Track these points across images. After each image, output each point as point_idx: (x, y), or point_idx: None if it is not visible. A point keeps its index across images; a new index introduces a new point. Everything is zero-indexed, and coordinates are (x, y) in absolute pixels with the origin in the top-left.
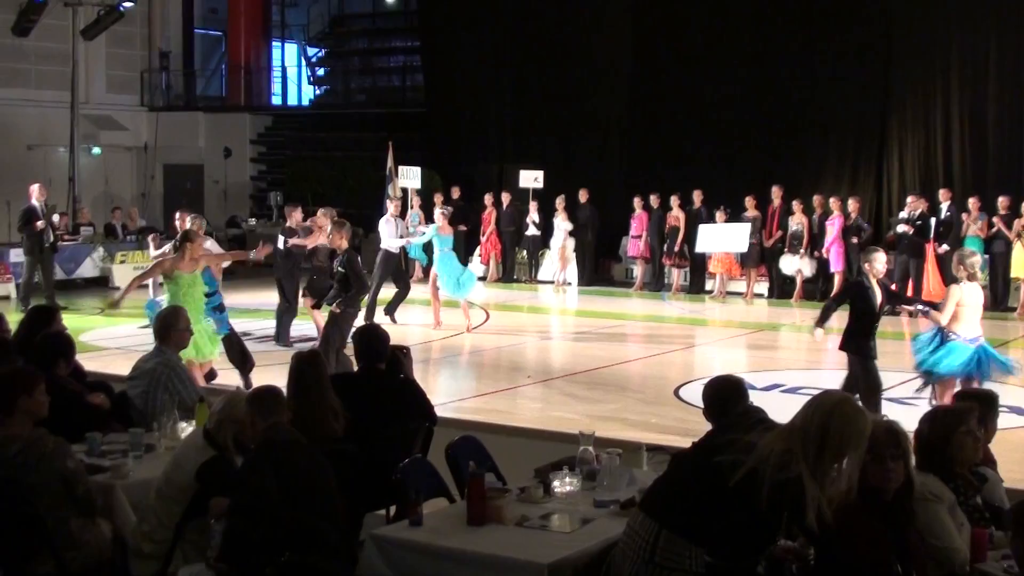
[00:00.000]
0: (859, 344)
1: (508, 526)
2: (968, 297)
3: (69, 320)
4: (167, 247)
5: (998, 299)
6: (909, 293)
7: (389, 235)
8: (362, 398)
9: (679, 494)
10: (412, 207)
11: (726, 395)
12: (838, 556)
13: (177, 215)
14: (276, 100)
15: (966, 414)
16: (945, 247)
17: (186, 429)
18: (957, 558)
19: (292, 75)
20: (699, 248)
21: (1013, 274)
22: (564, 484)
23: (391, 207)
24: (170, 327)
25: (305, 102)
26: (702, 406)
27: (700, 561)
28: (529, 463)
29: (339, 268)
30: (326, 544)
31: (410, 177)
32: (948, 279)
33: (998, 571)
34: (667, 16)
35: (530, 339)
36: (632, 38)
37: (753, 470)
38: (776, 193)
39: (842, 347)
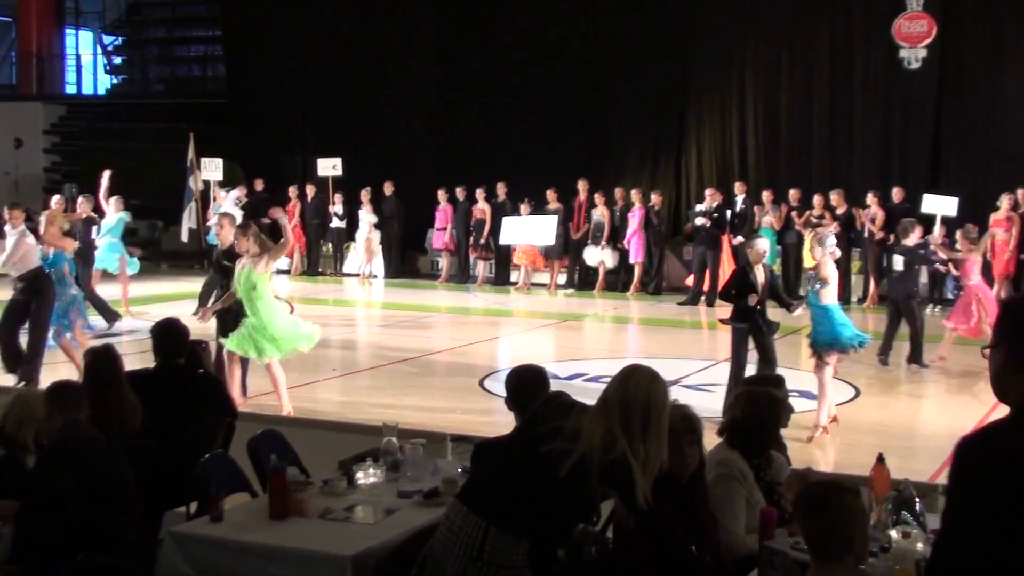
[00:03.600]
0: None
1: (311, 519)
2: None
3: None
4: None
5: (790, 287)
6: (705, 284)
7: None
8: (161, 393)
9: (506, 490)
10: (215, 199)
11: (528, 384)
12: (659, 535)
13: (54, 198)
14: (70, 89)
15: (783, 405)
16: (740, 238)
17: None
18: (737, 543)
19: (87, 63)
20: (503, 240)
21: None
22: (368, 475)
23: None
24: None
25: (101, 91)
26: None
27: (524, 555)
28: (333, 455)
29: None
30: (123, 543)
31: (212, 169)
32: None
33: (785, 547)
34: (472, 10)
35: (335, 332)
36: (436, 31)
37: (582, 457)
38: (582, 186)
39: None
